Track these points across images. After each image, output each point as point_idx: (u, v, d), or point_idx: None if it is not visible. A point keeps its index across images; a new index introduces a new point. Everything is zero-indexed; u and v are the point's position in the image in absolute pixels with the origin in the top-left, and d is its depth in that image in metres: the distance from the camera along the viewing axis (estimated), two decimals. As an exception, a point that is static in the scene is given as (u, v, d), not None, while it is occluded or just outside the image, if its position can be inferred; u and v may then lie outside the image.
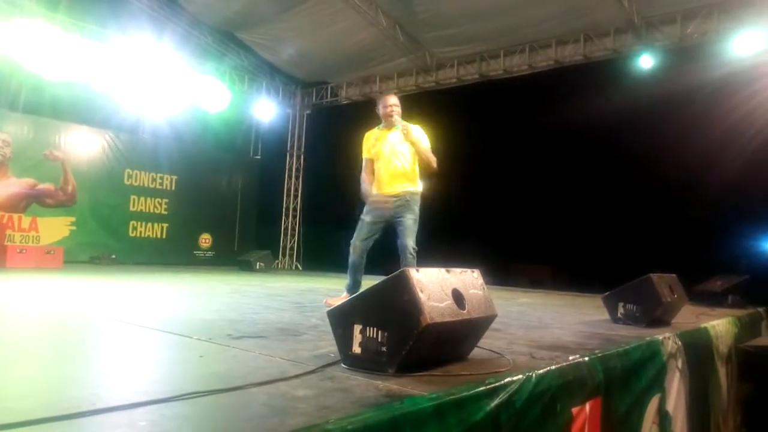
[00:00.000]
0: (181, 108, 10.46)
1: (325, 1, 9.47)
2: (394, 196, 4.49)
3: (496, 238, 12.08)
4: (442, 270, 2.18)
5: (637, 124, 10.46)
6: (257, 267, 10.30)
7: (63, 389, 1.74)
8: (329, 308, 2.19)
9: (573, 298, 7.10)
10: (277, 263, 12.64)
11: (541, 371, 2.09)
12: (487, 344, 2.52)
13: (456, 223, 12.50)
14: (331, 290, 5.68)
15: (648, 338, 3.15)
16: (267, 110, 12.40)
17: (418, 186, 4.59)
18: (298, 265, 13.02)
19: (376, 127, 4.71)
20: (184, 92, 10.14)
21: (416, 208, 4.53)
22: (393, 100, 4.61)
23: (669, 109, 9.81)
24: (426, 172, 4.65)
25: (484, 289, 2.35)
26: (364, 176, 4.62)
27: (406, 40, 10.34)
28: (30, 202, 9.30)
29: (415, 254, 4.42)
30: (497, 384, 1.87)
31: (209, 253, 11.91)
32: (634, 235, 10.60)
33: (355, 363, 2.01)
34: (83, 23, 8.90)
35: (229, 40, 11.06)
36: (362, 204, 4.63)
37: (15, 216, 9.11)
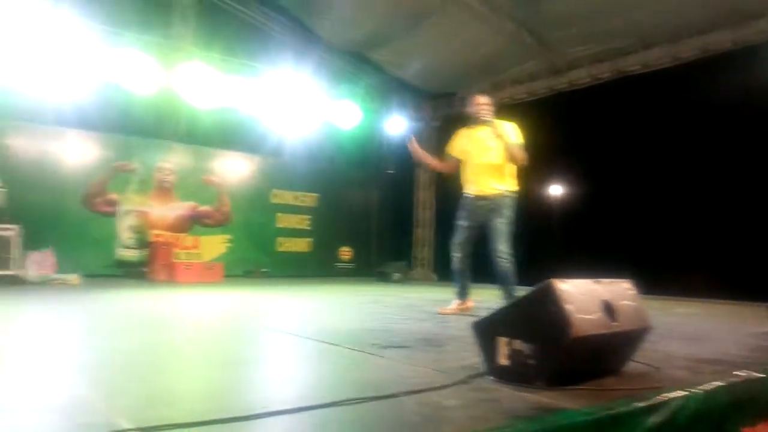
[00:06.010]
0: (317, 129, 11.10)
1: (449, 14, 9.52)
2: (484, 198, 4.50)
3: (645, 245, 11.29)
4: (590, 281, 2.12)
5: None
6: (394, 278, 10.56)
7: (237, 393, 1.95)
8: (475, 320, 2.21)
9: (734, 307, 6.43)
10: (413, 273, 12.84)
11: (708, 387, 1.95)
12: (642, 357, 2.39)
13: (601, 229, 11.89)
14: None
15: (835, 353, 2.78)
16: (397, 125, 12.69)
17: (510, 186, 4.53)
18: (434, 276, 13.12)
19: (467, 127, 4.80)
20: (320, 114, 10.78)
21: (507, 212, 4.46)
22: (483, 99, 4.69)
23: None
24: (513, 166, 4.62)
25: (636, 300, 2.24)
26: (437, 163, 4.94)
27: (534, 43, 10.07)
28: (193, 223, 10.39)
29: (508, 259, 4.32)
30: (658, 400, 1.77)
31: (349, 265, 12.45)
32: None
33: (502, 375, 2.02)
34: (233, 59, 9.81)
35: (358, 60, 11.54)
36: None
37: (180, 236, 10.23)
